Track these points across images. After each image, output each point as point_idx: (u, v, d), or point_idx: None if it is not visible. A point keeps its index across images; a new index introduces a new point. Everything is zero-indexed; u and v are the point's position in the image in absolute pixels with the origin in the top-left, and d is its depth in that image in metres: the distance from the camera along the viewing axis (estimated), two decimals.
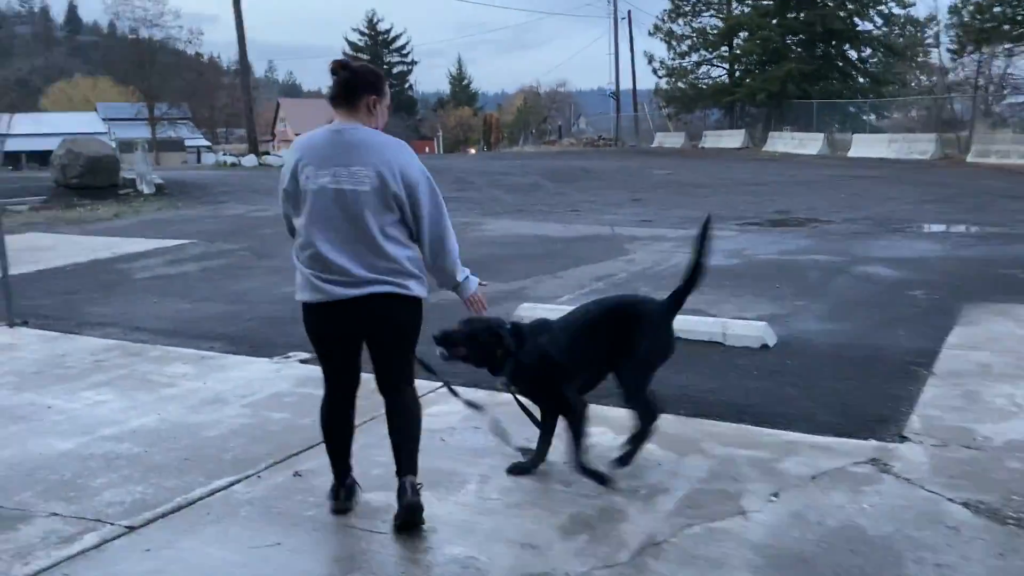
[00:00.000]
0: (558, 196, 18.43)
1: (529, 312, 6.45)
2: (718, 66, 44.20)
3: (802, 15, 38.92)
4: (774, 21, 38.70)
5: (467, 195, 19.42)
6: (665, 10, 44.15)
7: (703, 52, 43.72)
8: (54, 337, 6.68)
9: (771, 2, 39.82)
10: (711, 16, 43.87)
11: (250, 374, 5.49)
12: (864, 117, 37.67)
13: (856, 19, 38.74)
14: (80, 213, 16.96)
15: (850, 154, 30.03)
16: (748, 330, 5.83)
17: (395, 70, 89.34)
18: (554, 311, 6.20)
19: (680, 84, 43.97)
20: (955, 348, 5.59)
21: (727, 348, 5.75)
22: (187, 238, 12.48)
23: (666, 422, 3.88)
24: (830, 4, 38.76)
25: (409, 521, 3.15)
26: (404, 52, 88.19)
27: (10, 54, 74.29)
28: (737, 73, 42.40)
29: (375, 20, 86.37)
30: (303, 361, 5.72)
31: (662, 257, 9.65)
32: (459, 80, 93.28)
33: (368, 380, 3.32)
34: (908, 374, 5.07)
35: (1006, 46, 27.87)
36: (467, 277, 3.29)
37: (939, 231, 12.15)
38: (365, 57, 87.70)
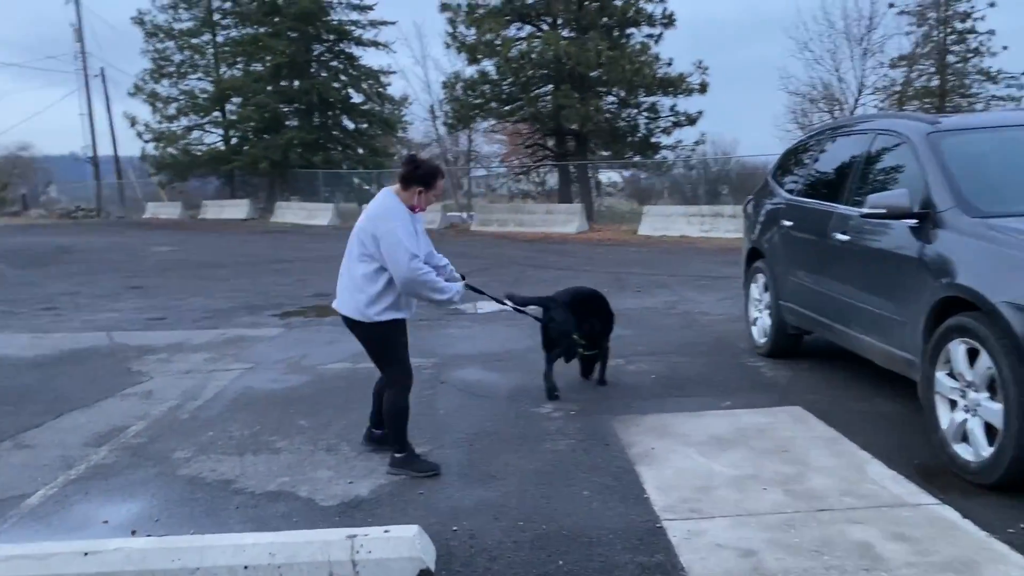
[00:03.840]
0: (23, 288, 13.97)
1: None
2: (211, 132, 41.08)
3: (296, 83, 38.01)
4: (269, 88, 37.05)
5: None
6: (146, 70, 39.78)
7: (194, 116, 40.23)
8: None
9: (262, 68, 38.15)
10: (199, 79, 40.67)
11: None
12: (367, 187, 37.80)
13: (351, 91, 38.99)
14: None
15: None
16: (392, 548, 3.43)
17: None
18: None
19: (171, 150, 39.76)
20: (671, 517, 3.91)
21: None
22: None
23: None
24: (323, 75, 38.50)
25: None
26: None
27: None
28: (233, 140, 39.81)
29: None
30: None
31: (195, 385, 6.77)
32: None
33: None
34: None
35: (491, 122, 29.98)
36: None
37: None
38: None
